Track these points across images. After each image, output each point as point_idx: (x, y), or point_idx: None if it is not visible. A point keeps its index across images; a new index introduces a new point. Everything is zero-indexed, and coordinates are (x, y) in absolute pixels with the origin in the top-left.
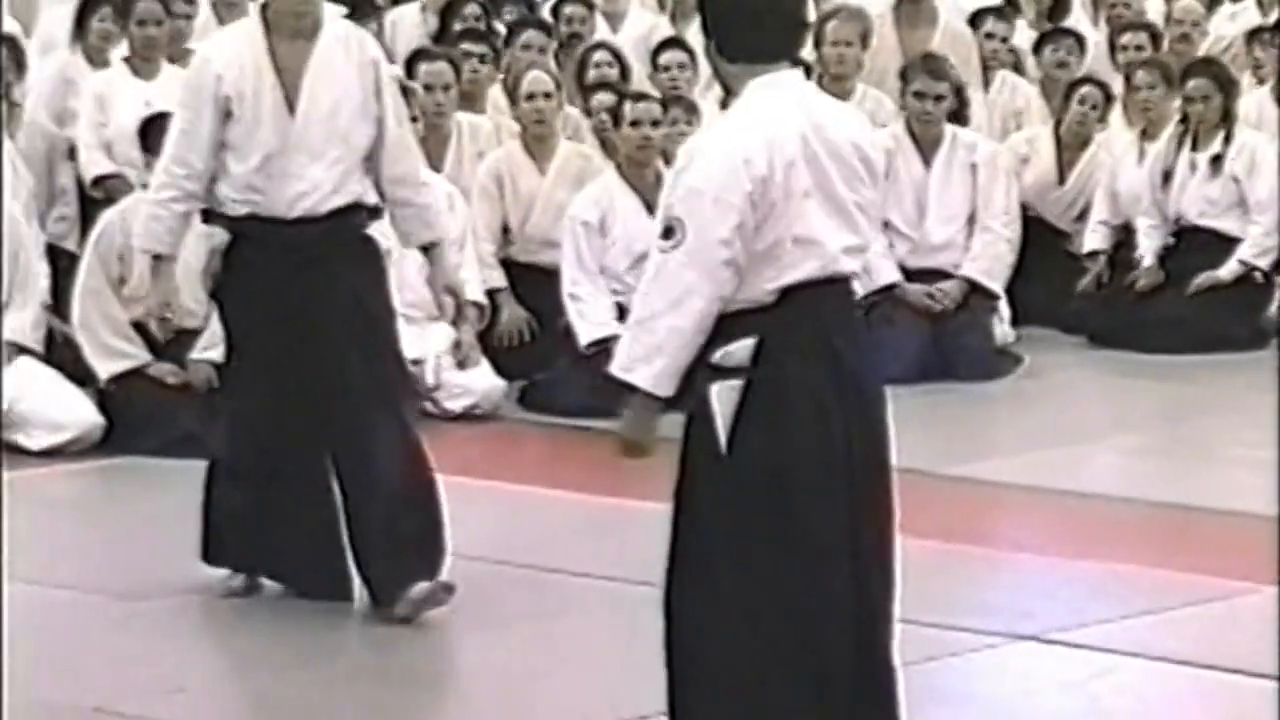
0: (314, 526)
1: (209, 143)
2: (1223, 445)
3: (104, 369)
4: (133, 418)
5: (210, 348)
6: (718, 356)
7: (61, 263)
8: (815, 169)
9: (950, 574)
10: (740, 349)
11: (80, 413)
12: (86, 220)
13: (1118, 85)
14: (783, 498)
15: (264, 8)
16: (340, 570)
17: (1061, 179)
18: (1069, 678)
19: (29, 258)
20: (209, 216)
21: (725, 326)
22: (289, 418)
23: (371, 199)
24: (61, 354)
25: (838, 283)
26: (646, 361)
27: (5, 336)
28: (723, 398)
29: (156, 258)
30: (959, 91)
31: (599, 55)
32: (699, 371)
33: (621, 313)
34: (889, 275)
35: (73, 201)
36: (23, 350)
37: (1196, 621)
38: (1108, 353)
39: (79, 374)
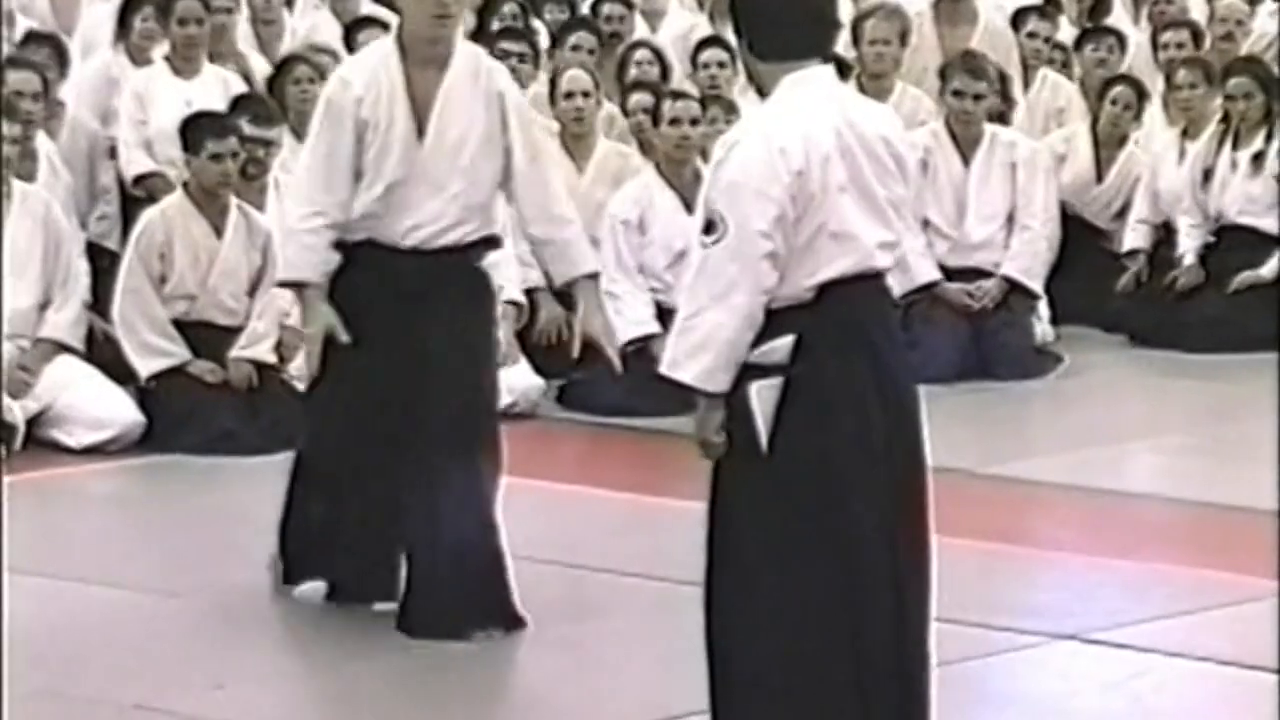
0: (382, 541)
1: (350, 167)
2: (1264, 445)
3: (144, 367)
4: (173, 416)
5: (250, 345)
6: (756, 355)
7: (102, 261)
8: (850, 163)
9: (990, 574)
10: (779, 347)
11: (120, 411)
12: (127, 219)
13: (1159, 84)
14: (824, 495)
15: (399, 33)
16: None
17: (1099, 177)
18: (1109, 677)
19: (70, 256)
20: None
21: (764, 324)
22: (369, 447)
23: (492, 231)
24: (102, 352)
25: (873, 279)
26: (693, 357)
27: (47, 334)
28: (762, 396)
29: (302, 286)
30: (1005, 87)
31: (640, 54)
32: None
33: (660, 311)
34: (928, 274)
35: (114, 200)
36: (64, 348)
37: (1238, 621)
38: (1148, 352)
39: (119, 372)
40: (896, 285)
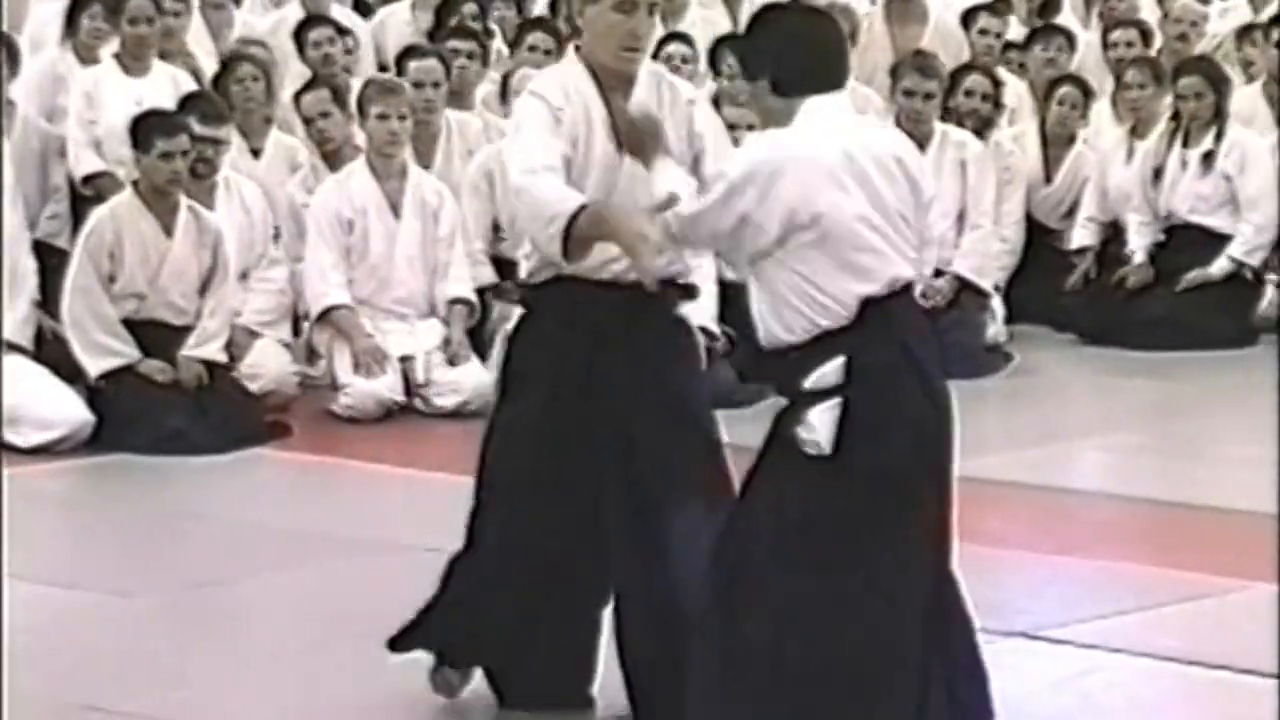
0: (567, 635)
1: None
2: (1213, 442)
3: (94, 366)
4: (122, 415)
5: (200, 344)
6: (811, 381)
7: (51, 260)
8: (865, 183)
9: None
10: (831, 370)
11: (70, 410)
12: (77, 218)
13: (1109, 83)
14: (885, 511)
15: (577, 50)
16: (583, 687)
17: (1048, 177)
18: (1060, 674)
19: (18, 255)
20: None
21: (810, 351)
22: (565, 505)
23: (686, 276)
24: (51, 351)
25: (905, 292)
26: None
27: None
28: (822, 419)
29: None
30: (997, 93)
31: None
32: (791, 399)
33: None
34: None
35: (64, 199)
36: (12, 348)
37: (1187, 618)
38: (1098, 350)
39: (68, 371)
40: None
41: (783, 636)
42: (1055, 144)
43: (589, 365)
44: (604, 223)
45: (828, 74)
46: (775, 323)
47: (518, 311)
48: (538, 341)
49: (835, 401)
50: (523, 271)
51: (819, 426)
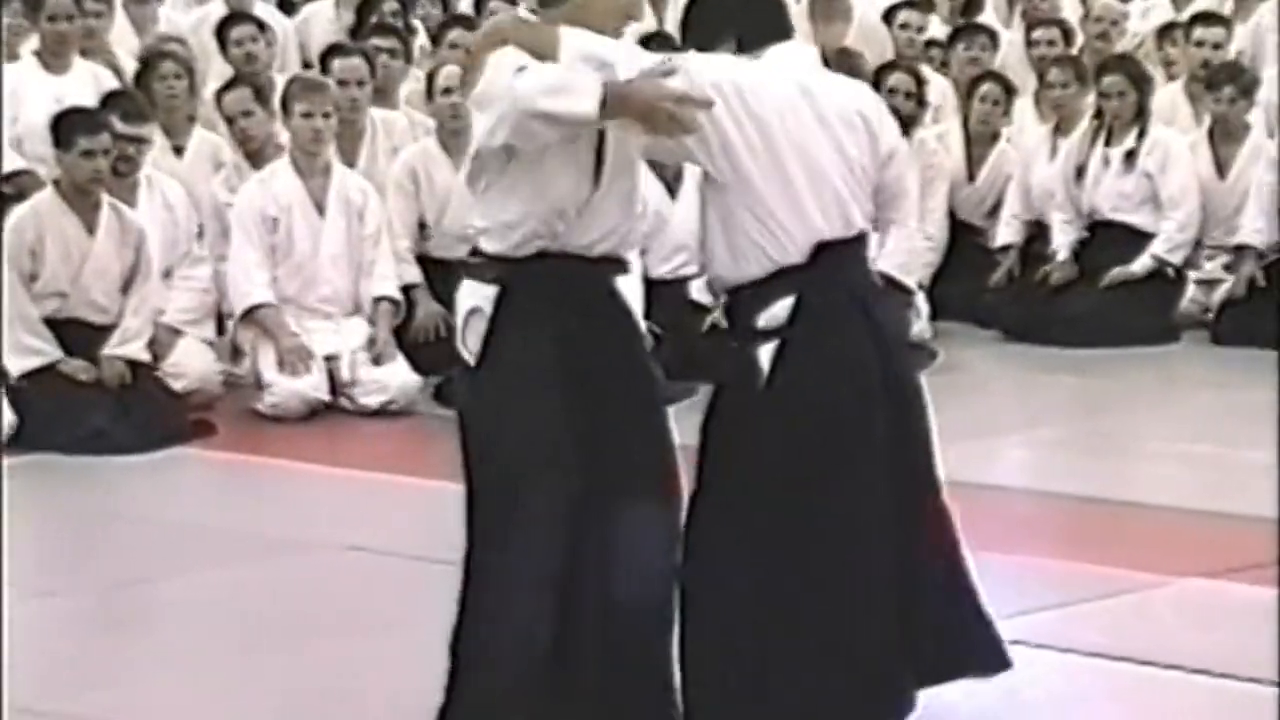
0: None
1: None
2: (1135, 439)
3: (15, 365)
4: (44, 414)
5: (122, 343)
6: (763, 320)
7: None
8: (825, 125)
9: None
10: (782, 309)
11: None
12: None
13: (1032, 82)
14: (829, 452)
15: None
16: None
17: (971, 175)
18: None
19: None
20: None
21: (763, 289)
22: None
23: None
24: None
25: (858, 241)
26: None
27: None
28: (765, 356)
29: None
30: (920, 91)
31: None
32: (742, 340)
33: None
34: None
35: None
36: None
37: (1109, 614)
38: (1021, 347)
39: None
40: None
41: (758, 579)
42: (978, 142)
43: (580, 349)
44: (629, 95)
45: (783, 23)
46: (729, 256)
47: (479, 291)
48: (526, 323)
49: (778, 341)
50: (497, 246)
51: (764, 363)
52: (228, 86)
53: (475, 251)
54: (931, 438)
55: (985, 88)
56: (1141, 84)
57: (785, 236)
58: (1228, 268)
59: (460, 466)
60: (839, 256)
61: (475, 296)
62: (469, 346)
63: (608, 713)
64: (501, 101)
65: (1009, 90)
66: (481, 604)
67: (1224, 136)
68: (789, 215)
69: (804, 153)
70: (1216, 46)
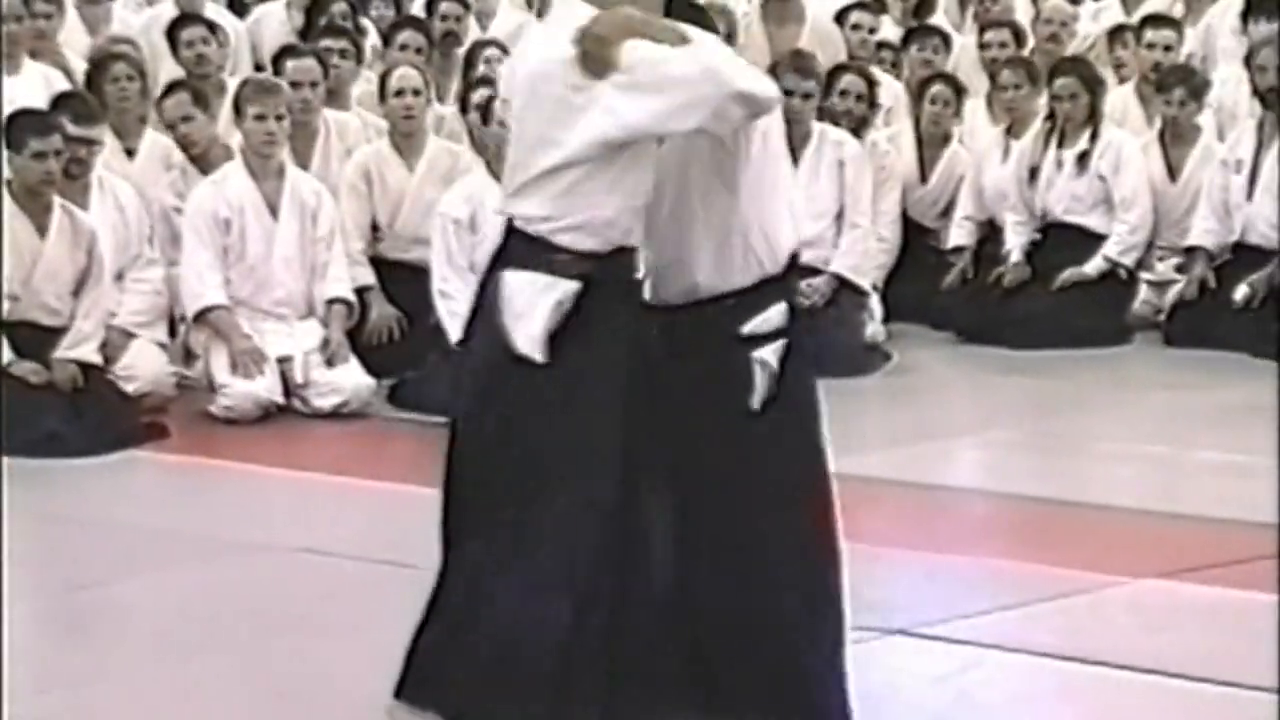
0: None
1: None
2: (1089, 440)
3: None
4: None
5: (74, 346)
6: (751, 327)
7: None
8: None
9: None
10: (776, 314)
11: None
12: None
13: (984, 84)
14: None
15: None
16: None
17: (924, 177)
18: (938, 672)
19: None
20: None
21: (751, 297)
22: None
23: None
24: None
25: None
26: None
27: None
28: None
29: None
30: (872, 93)
31: (490, 51)
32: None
33: None
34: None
35: None
36: None
37: (1064, 614)
38: (975, 348)
39: None
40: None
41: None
42: (930, 143)
43: (656, 349)
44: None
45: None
46: (715, 266)
47: (560, 286)
48: (606, 319)
49: (781, 343)
50: (588, 243)
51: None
52: (167, 92)
53: (551, 245)
54: (805, 460)
55: (936, 89)
56: (1094, 86)
57: (779, 248)
58: (1179, 269)
59: (415, 467)
60: (793, 266)
61: (557, 290)
62: (528, 342)
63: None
64: (698, 83)
65: (959, 91)
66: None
67: (1175, 139)
68: (784, 225)
69: (781, 158)
70: (1167, 49)
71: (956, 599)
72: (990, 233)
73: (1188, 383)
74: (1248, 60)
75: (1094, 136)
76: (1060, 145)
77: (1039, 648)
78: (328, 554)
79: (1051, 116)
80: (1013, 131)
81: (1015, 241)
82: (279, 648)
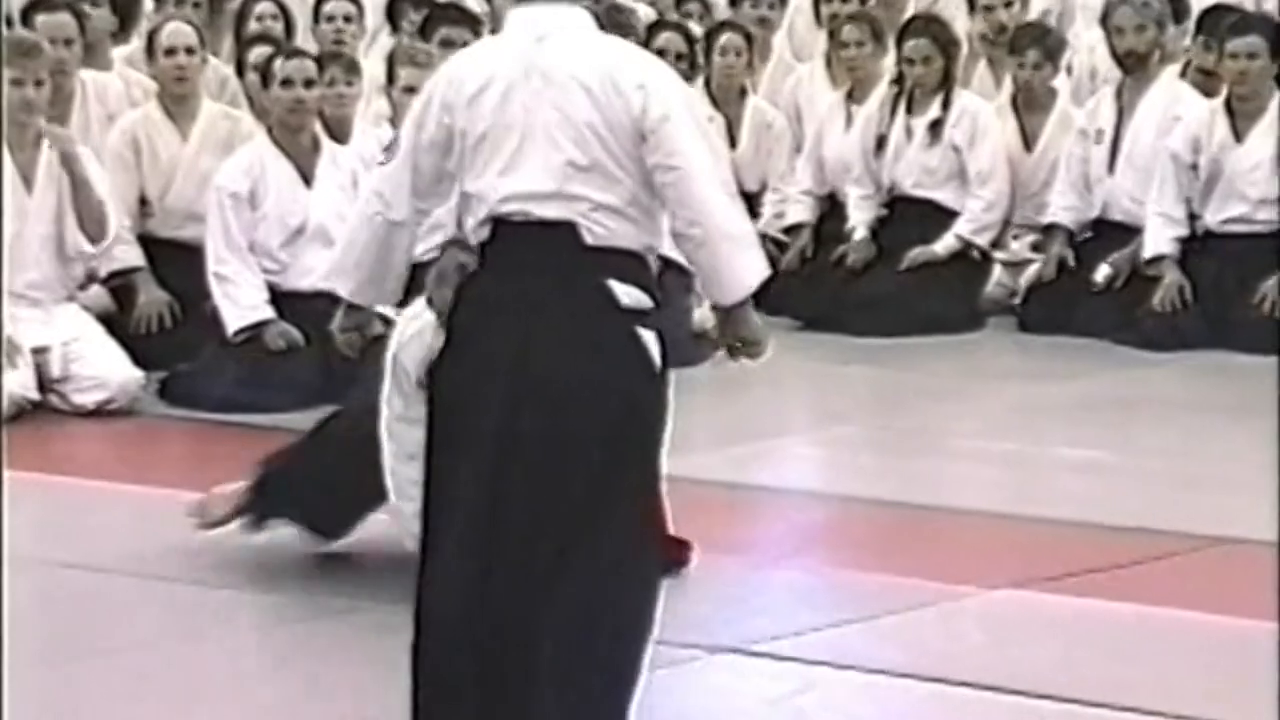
0: None
1: None
2: (941, 435)
3: None
4: None
5: None
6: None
7: None
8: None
9: None
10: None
11: None
12: None
13: (822, 42)
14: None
15: None
16: None
17: (733, 141)
18: (772, 693)
19: None
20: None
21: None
22: None
23: None
24: None
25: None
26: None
27: None
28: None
29: None
30: (693, 51)
31: (261, 7)
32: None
33: (274, 295)
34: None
35: None
36: None
37: (909, 629)
38: (814, 335)
39: None
40: None
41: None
42: (725, 101)
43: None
44: None
45: None
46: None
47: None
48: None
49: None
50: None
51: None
52: None
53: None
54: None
55: (725, 39)
56: (948, 48)
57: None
58: (1036, 248)
59: (188, 470)
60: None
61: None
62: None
63: None
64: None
65: (749, 39)
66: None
67: (1028, 105)
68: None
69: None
70: (1008, 4)
71: (792, 613)
72: (831, 208)
73: (1044, 372)
74: (1104, 19)
75: (946, 103)
76: (909, 112)
77: (882, 665)
78: (91, 569)
79: (899, 80)
80: (855, 96)
81: (859, 218)
82: (36, 674)
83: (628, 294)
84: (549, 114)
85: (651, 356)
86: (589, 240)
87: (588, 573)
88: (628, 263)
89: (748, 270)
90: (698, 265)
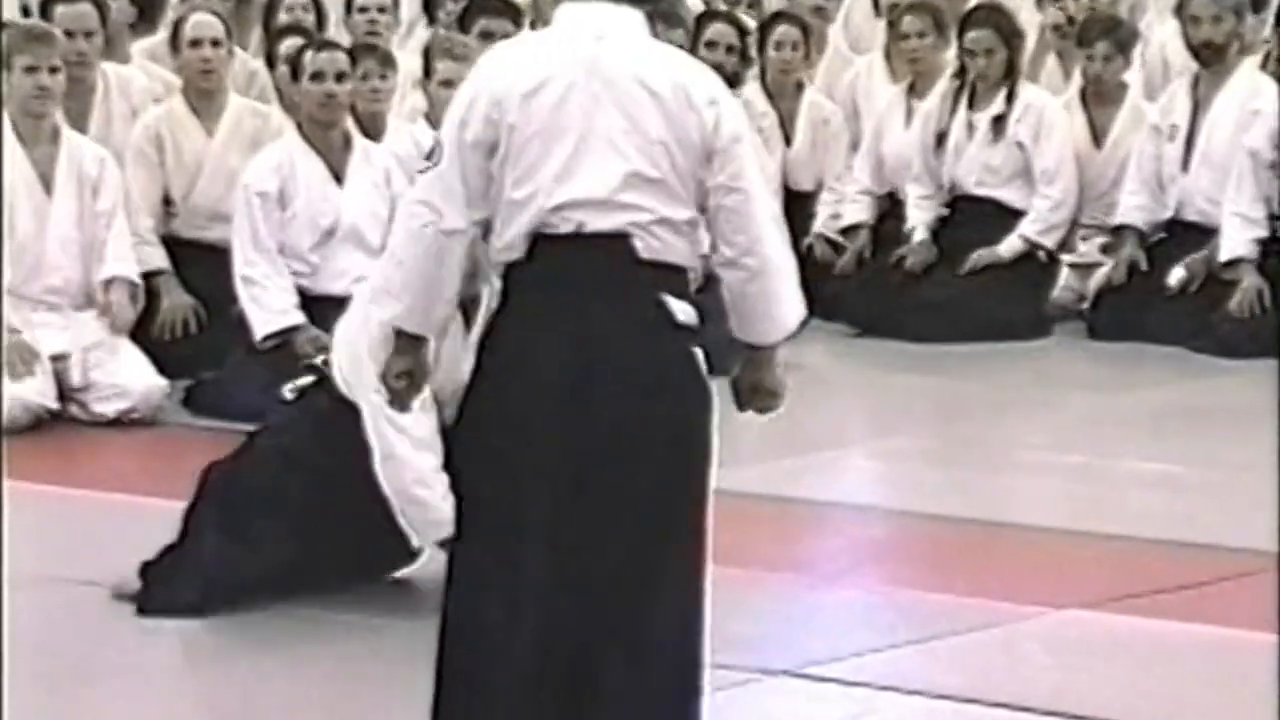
0: None
1: None
2: (1005, 448)
3: None
4: None
5: None
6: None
7: None
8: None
9: None
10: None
11: None
12: None
13: (882, 34)
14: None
15: None
16: None
17: (788, 138)
18: (827, 716)
19: None
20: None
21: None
22: None
23: None
24: None
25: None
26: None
27: None
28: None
29: None
30: (745, 45)
31: None
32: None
33: (304, 299)
34: None
35: None
36: None
37: (972, 652)
38: (872, 342)
39: None
40: None
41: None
42: (781, 95)
43: None
44: None
45: None
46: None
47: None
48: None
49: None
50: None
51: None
52: None
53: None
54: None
55: (780, 32)
56: (1011, 40)
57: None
58: (1105, 250)
59: None
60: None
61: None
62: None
63: None
64: None
65: (805, 29)
66: None
67: (1098, 99)
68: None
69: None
70: None
71: (848, 634)
72: (890, 208)
73: (1115, 381)
74: (1179, 9)
75: (1010, 97)
76: (971, 107)
77: (944, 689)
78: (109, 586)
79: (961, 73)
80: (916, 90)
81: (919, 218)
82: (61, 698)
83: (683, 310)
84: (613, 119)
85: (706, 380)
86: (643, 254)
87: (656, 604)
88: (678, 278)
89: (793, 310)
90: (744, 298)
